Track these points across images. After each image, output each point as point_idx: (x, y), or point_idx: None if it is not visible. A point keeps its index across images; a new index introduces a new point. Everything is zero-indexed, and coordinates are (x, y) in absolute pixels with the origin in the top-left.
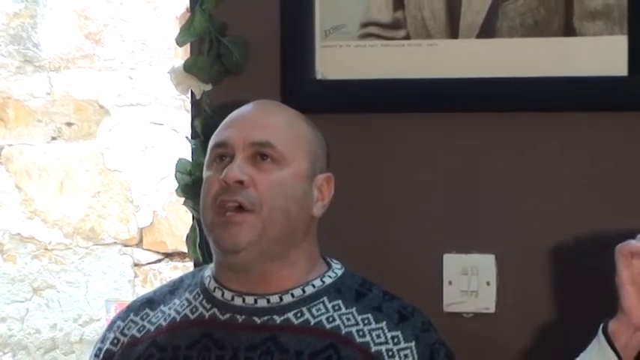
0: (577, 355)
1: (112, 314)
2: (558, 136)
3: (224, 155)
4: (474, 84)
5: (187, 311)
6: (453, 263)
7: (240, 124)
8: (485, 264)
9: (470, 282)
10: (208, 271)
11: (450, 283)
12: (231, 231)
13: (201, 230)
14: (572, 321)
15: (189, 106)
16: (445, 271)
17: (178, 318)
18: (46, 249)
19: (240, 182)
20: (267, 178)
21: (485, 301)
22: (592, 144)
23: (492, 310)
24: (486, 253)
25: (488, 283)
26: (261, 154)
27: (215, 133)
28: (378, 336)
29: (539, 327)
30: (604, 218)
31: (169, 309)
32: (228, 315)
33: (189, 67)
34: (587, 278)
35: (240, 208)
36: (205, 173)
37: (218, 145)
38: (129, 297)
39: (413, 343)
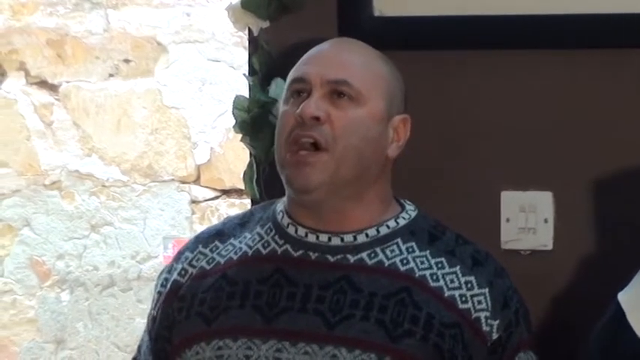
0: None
1: (170, 251)
2: (619, 73)
3: (301, 91)
4: (534, 21)
5: (259, 246)
6: (511, 200)
7: (318, 61)
8: (543, 201)
9: (527, 219)
10: (280, 205)
11: (508, 220)
12: (303, 171)
13: (258, 167)
14: (630, 258)
15: (247, 42)
16: (503, 209)
17: (250, 252)
18: (104, 186)
19: (317, 118)
20: (343, 115)
21: (543, 239)
22: None
23: (550, 247)
24: (544, 190)
25: (546, 221)
26: (338, 91)
27: (293, 69)
28: (452, 281)
29: (597, 264)
30: None
31: (240, 242)
32: (301, 252)
33: (246, 4)
34: None
35: (314, 146)
36: (282, 108)
37: (295, 80)
38: (186, 234)
39: (487, 289)
